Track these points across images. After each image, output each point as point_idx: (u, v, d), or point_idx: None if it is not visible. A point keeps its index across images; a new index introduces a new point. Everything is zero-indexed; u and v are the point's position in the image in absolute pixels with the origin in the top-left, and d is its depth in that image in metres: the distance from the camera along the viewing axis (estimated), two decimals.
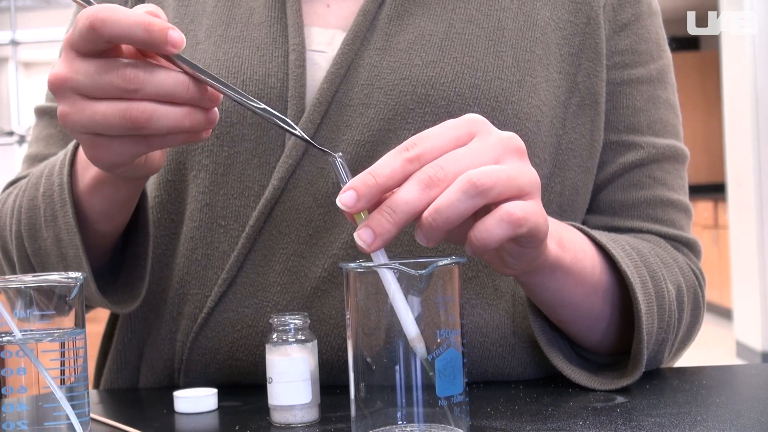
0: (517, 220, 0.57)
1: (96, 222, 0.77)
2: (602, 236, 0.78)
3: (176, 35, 0.59)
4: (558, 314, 0.76)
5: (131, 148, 0.63)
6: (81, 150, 0.75)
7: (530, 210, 0.58)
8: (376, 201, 0.57)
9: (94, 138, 0.63)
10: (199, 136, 0.64)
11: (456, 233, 0.59)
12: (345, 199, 0.56)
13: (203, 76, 0.61)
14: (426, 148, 0.57)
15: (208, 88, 0.61)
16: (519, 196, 0.58)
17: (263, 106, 0.62)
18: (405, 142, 0.58)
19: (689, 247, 0.88)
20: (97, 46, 0.59)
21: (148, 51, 0.60)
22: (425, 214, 0.56)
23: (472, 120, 0.60)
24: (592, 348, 0.81)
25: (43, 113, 0.94)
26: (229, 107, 0.80)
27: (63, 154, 0.78)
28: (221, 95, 0.62)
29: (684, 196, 0.89)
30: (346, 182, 0.58)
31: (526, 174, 0.59)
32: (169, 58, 0.60)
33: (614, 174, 0.86)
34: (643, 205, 0.86)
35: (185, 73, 0.60)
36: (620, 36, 0.86)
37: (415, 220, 0.57)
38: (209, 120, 0.62)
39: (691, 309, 0.84)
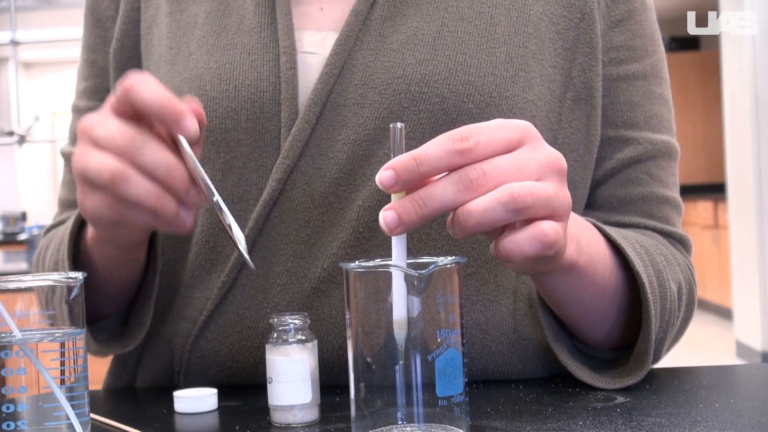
0: (550, 242, 0.58)
1: (105, 271, 0.80)
2: (615, 234, 0.78)
3: (189, 124, 0.61)
4: (565, 311, 0.77)
5: (102, 205, 0.64)
6: None
7: (561, 233, 0.59)
8: (414, 185, 0.57)
9: (84, 185, 0.64)
10: (168, 226, 0.64)
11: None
12: (384, 178, 0.56)
13: (196, 172, 0.62)
14: (478, 144, 0.57)
15: (194, 189, 0.63)
16: (551, 217, 0.59)
17: (229, 222, 0.64)
18: (458, 131, 0.57)
19: (682, 243, 0.89)
20: (125, 108, 0.62)
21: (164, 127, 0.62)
22: (458, 211, 0.56)
23: (526, 127, 0.60)
24: (595, 345, 0.81)
25: (64, 157, 0.97)
26: (222, 114, 0.80)
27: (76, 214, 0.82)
28: (199, 204, 0.64)
29: (676, 193, 0.90)
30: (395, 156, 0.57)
31: (563, 197, 0.60)
32: (177, 148, 0.62)
33: (612, 170, 0.87)
34: (640, 201, 0.87)
35: (184, 163, 0.62)
36: (614, 32, 0.86)
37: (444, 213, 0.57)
38: (177, 215, 0.63)
39: (686, 305, 0.84)
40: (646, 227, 0.87)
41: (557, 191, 0.59)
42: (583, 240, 0.71)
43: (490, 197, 0.56)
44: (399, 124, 0.58)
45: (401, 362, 0.56)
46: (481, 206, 0.56)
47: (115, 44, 0.90)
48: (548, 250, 0.58)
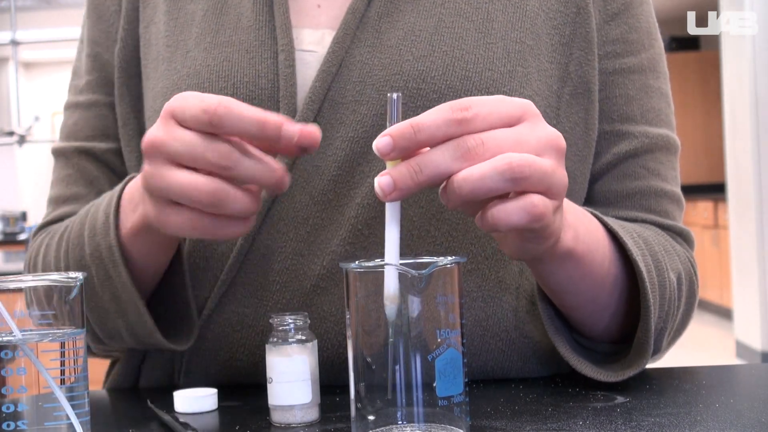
0: (538, 214, 0.58)
1: (139, 262, 0.77)
2: (614, 224, 0.78)
3: (291, 129, 0.60)
4: (564, 300, 0.77)
5: (189, 223, 0.64)
6: (124, 195, 0.76)
7: (551, 209, 0.59)
8: (411, 153, 0.57)
9: (163, 203, 0.64)
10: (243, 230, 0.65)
11: (470, 202, 0.59)
12: (380, 145, 0.56)
13: None
14: (477, 116, 0.57)
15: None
16: (545, 193, 0.59)
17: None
18: (458, 102, 0.57)
19: (683, 236, 0.88)
20: (204, 129, 0.61)
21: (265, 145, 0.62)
22: (454, 177, 0.56)
23: (527, 104, 0.60)
24: (594, 337, 0.81)
25: (59, 154, 0.95)
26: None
27: (105, 209, 0.77)
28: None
29: (676, 187, 0.90)
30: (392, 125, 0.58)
31: (559, 175, 0.60)
32: None
33: (609, 164, 0.87)
34: (637, 195, 0.87)
35: None
36: (611, 25, 0.86)
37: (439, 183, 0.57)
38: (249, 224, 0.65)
39: (687, 297, 0.84)
40: (645, 221, 0.86)
41: (554, 168, 0.59)
42: (581, 228, 0.72)
43: (487, 165, 0.56)
44: (396, 94, 0.58)
45: (391, 340, 0.56)
46: (477, 173, 0.56)
47: (119, 44, 0.90)
48: (535, 222, 0.58)
